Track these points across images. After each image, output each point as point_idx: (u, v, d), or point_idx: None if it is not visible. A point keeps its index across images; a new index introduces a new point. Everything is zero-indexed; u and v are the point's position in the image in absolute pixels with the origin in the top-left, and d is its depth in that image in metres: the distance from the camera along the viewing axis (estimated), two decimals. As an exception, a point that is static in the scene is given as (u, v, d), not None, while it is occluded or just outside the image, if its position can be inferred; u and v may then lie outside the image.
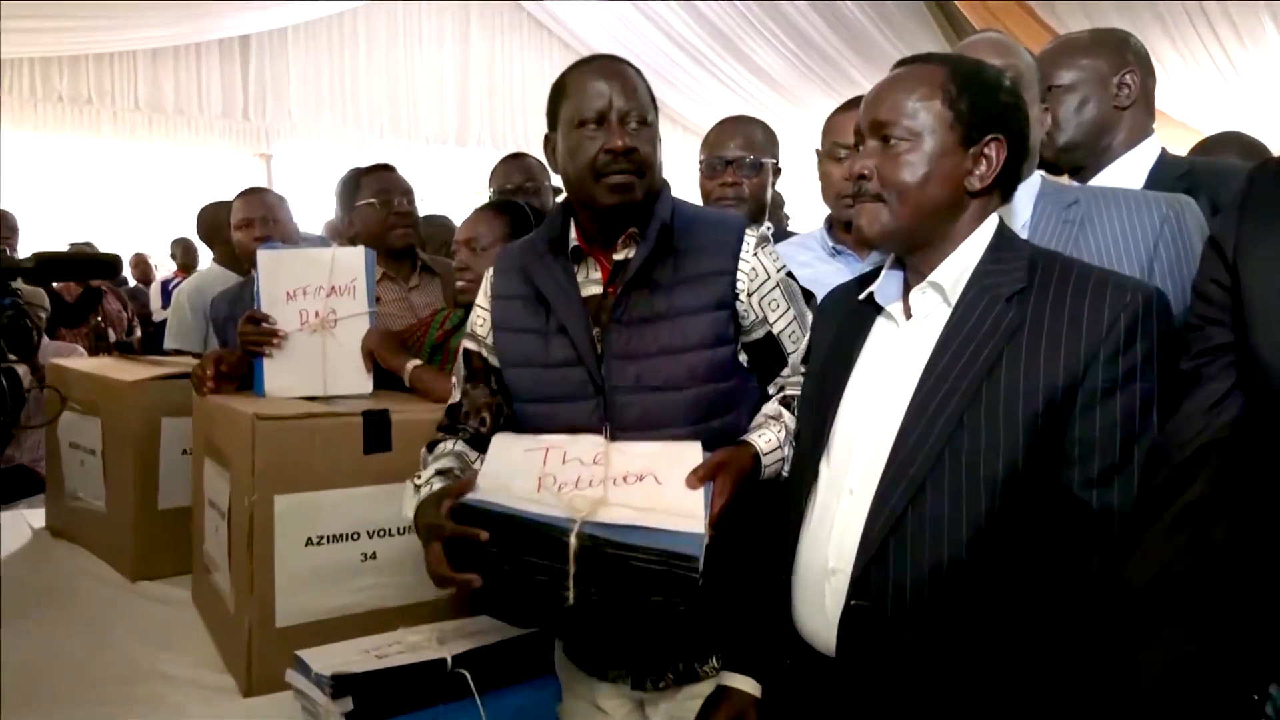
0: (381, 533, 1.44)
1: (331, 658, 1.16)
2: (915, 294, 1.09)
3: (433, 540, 1.13)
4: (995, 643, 1.00)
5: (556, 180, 2.44)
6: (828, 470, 1.11)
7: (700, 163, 2.00)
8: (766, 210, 1.99)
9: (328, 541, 1.40)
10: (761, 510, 1.23)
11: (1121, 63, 1.65)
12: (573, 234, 1.31)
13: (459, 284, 1.74)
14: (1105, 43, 1.67)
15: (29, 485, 2.66)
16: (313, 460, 1.40)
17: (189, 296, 3.12)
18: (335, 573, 1.40)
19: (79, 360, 2.58)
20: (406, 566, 1.46)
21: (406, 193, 2.12)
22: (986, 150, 1.05)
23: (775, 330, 1.29)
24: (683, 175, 2.36)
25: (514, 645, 1.21)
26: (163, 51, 7.58)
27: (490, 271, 1.37)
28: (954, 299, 1.06)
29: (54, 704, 1.31)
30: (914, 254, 1.09)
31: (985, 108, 1.05)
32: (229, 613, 1.42)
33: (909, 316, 1.10)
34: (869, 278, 1.18)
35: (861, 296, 1.14)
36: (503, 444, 1.23)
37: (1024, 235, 1.26)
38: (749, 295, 1.27)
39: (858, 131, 1.10)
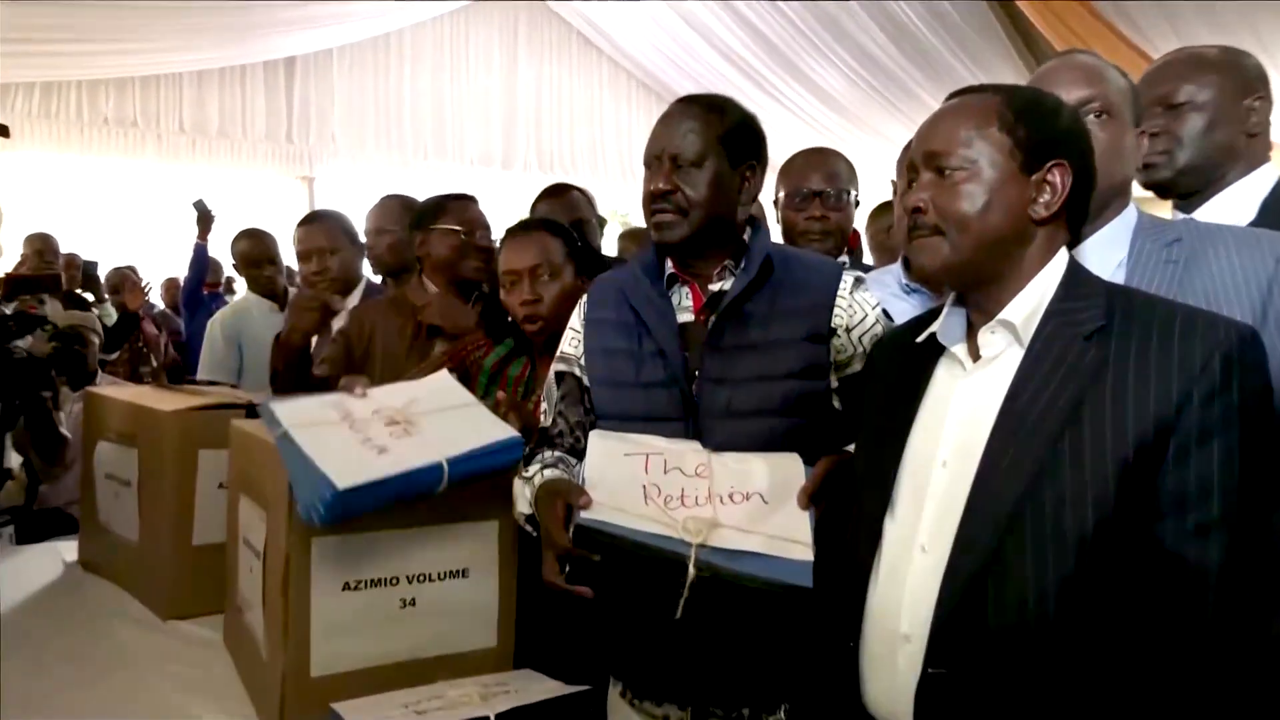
0: (422, 578, 1.44)
1: (369, 713, 1.15)
2: (983, 333, 1.07)
3: (548, 549, 1.27)
4: (1085, 709, 0.96)
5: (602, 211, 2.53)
6: (894, 527, 1.08)
7: (783, 195, 2.03)
8: (846, 243, 2.01)
9: (366, 586, 1.40)
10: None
11: (1250, 86, 1.61)
12: (669, 262, 1.44)
13: (532, 324, 1.71)
14: (1235, 63, 1.63)
15: (62, 528, 2.73)
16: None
17: (223, 327, 3.20)
18: (374, 619, 1.40)
19: (117, 389, 2.66)
20: (448, 614, 1.45)
21: (487, 229, 2.27)
22: (1049, 176, 1.04)
23: None
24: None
25: (562, 704, 1.20)
26: (208, 74, 7.90)
27: (584, 297, 1.51)
28: (1027, 338, 1.04)
29: (81, 749, 1.32)
30: (979, 290, 1.08)
31: (1045, 133, 1.04)
32: (262, 658, 1.43)
33: (976, 358, 1.07)
34: (924, 320, 1.17)
35: (921, 338, 1.13)
36: (602, 445, 1.32)
37: (1121, 274, 1.23)
38: (847, 331, 1.37)
39: (911, 166, 1.10)
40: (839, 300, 1.37)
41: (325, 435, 1.32)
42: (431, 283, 2.30)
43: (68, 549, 2.21)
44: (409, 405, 1.41)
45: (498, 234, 2.04)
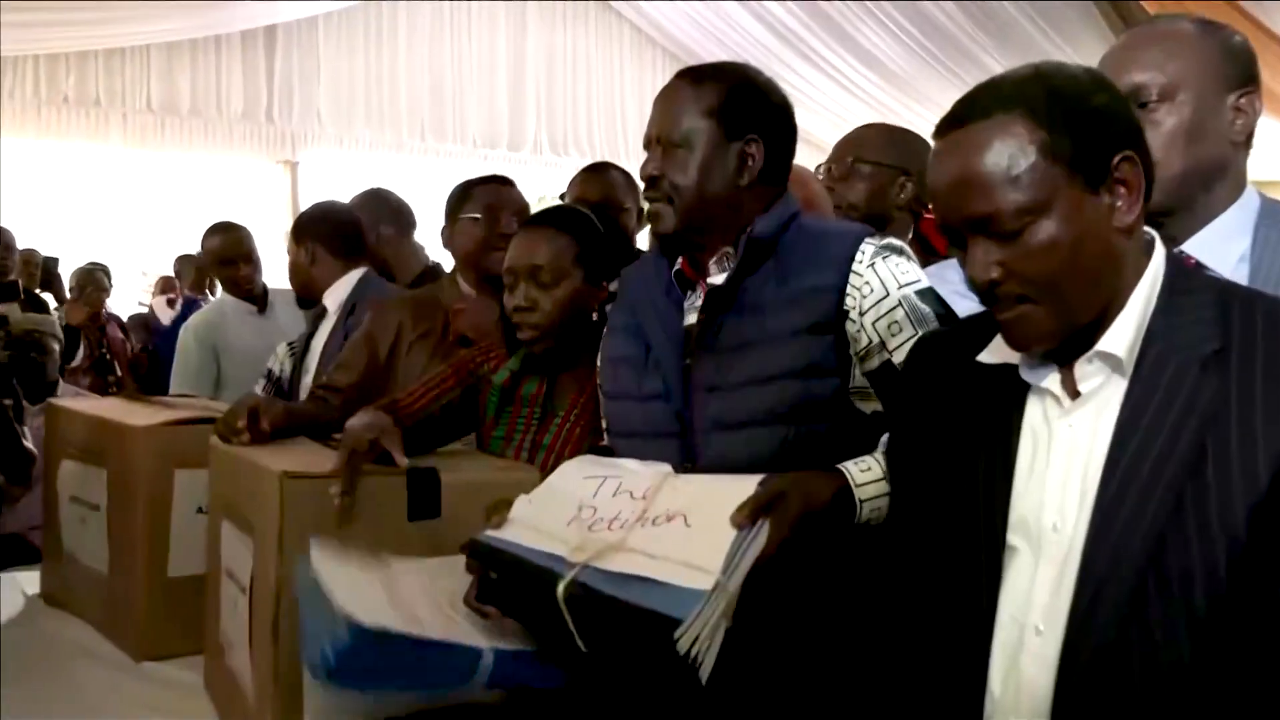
0: (427, 616, 1.46)
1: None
2: (1080, 365, 1.03)
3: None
4: None
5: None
6: (1005, 605, 1.04)
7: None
8: (889, 224, 2.01)
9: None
10: (861, 571, 1.22)
11: None
12: (681, 258, 1.44)
13: (524, 334, 1.68)
14: None
15: (22, 555, 2.77)
16: (350, 527, 1.42)
17: (196, 332, 3.24)
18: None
19: (83, 401, 2.70)
20: (456, 658, 1.47)
21: (519, 212, 2.23)
22: (1118, 174, 0.99)
23: (896, 360, 1.29)
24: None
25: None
26: (178, 46, 7.98)
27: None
28: (1130, 367, 1.00)
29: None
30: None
31: (1091, 131, 0.98)
32: (248, 705, 1.45)
33: (1074, 395, 1.03)
34: (980, 325, 1.10)
35: (987, 359, 1.08)
36: (571, 468, 1.37)
37: (1244, 270, 1.21)
38: (860, 314, 1.30)
39: (952, 227, 1.03)
40: (854, 275, 1.30)
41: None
42: (464, 281, 2.29)
43: (29, 580, 2.25)
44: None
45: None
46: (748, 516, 1.13)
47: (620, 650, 1.14)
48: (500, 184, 2.33)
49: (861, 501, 1.22)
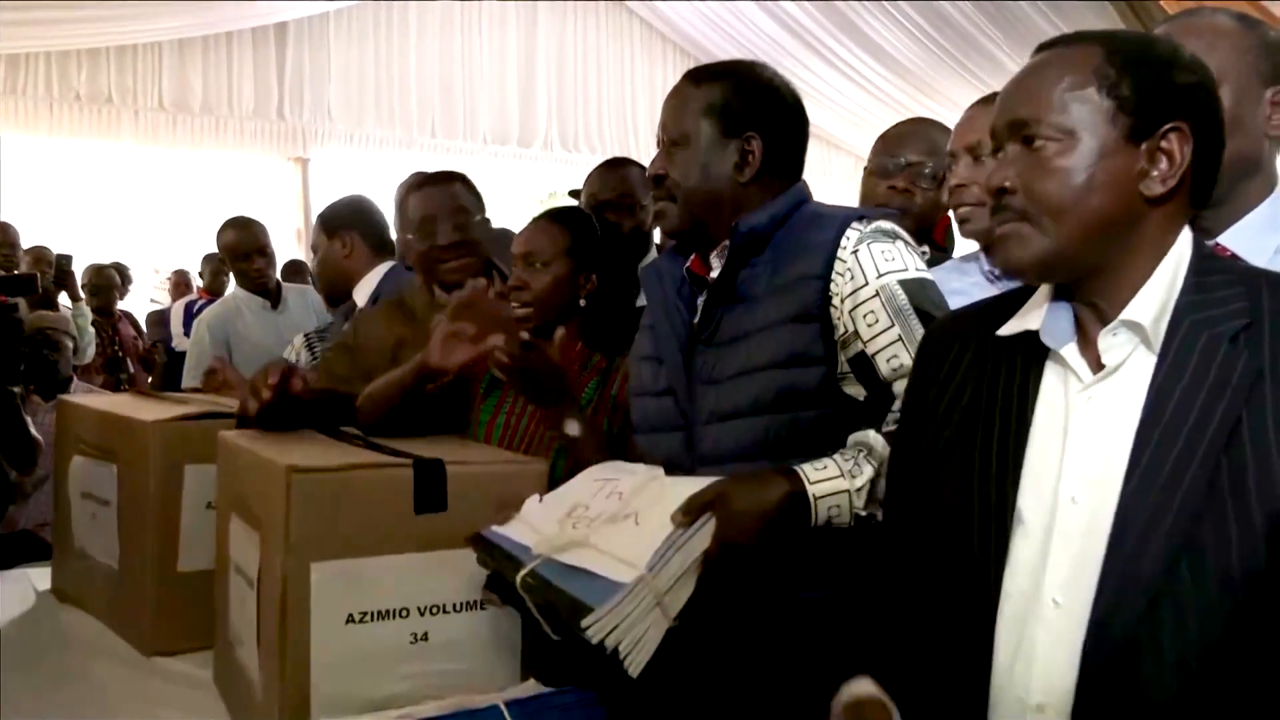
0: (435, 609, 1.46)
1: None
2: (1104, 336, 1.02)
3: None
4: None
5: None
6: (1012, 576, 1.03)
7: (871, 161, 2.00)
8: (931, 229, 1.99)
9: (372, 619, 1.42)
10: (827, 572, 1.24)
11: None
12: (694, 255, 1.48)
13: (516, 312, 1.77)
14: None
15: (32, 550, 2.79)
16: (356, 521, 1.43)
17: (210, 326, 3.28)
18: (380, 656, 1.42)
19: (94, 397, 2.72)
20: (465, 650, 1.47)
21: (456, 212, 2.04)
22: (1164, 143, 0.99)
23: (870, 351, 1.29)
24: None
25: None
26: (190, 43, 8.02)
27: None
28: (1157, 342, 0.99)
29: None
30: (1087, 284, 1.04)
31: (1157, 90, 0.99)
32: (256, 700, 1.46)
33: (1094, 367, 1.02)
34: (995, 307, 1.11)
35: (1004, 332, 1.08)
36: (587, 472, 1.42)
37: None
38: (841, 301, 1.30)
39: (994, 134, 1.06)
40: (838, 262, 1.30)
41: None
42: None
43: (40, 576, 2.25)
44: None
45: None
46: (685, 514, 1.18)
47: (581, 640, 1.15)
48: (433, 184, 2.11)
49: (816, 499, 1.23)
